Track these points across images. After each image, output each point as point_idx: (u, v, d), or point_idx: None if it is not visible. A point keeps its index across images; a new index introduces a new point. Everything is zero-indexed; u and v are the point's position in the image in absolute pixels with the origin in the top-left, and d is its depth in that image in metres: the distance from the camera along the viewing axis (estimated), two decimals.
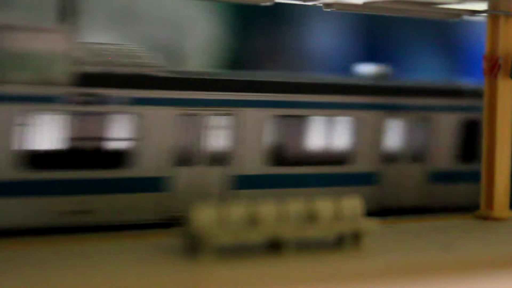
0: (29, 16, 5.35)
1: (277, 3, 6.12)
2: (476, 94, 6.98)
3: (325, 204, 5.28)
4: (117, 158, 5.84)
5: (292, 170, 6.48)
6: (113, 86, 5.76)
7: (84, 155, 5.72)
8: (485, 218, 6.52)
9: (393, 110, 6.91)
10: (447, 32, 10.91)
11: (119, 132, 5.84)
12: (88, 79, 5.66)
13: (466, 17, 6.78)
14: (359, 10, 6.41)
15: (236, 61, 10.81)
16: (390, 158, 6.94)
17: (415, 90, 7.03)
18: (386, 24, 10.82)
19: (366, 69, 7.26)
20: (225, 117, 6.20)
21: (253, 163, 6.30)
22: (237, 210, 5.06)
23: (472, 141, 7.19)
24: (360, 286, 4.73)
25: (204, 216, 4.96)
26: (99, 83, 5.72)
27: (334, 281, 4.70)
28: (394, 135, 6.97)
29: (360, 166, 6.76)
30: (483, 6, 6.45)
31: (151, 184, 5.93)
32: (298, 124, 6.56)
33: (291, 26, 10.79)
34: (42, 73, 5.37)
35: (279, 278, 4.67)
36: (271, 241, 5.08)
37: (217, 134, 6.19)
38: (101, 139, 5.79)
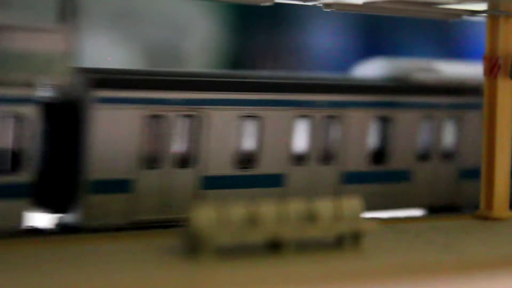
0: (29, 16, 5.36)
1: (277, 3, 6.12)
2: None
3: (325, 204, 5.28)
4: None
5: None
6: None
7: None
8: (485, 218, 6.52)
9: None
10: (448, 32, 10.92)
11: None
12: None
13: (466, 17, 6.77)
14: (359, 10, 6.40)
15: (236, 61, 10.82)
16: None
17: None
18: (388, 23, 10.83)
19: None
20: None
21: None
22: (237, 210, 5.06)
23: None
24: (360, 286, 4.73)
25: (204, 216, 4.96)
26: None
27: (334, 281, 4.70)
28: None
29: None
30: (483, 6, 6.44)
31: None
32: None
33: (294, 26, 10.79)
34: None
35: (279, 278, 4.67)
36: (271, 241, 5.08)
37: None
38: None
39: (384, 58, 7.33)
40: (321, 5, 6.31)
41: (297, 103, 6.41)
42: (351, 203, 5.36)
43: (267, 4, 6.10)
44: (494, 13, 6.48)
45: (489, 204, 6.54)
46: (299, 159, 6.47)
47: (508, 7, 6.45)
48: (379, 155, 6.88)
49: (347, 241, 5.27)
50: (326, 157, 6.58)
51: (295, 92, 6.43)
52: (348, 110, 6.63)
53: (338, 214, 5.29)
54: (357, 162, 6.72)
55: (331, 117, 6.60)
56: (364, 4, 6.29)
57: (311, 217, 5.22)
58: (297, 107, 6.41)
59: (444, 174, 7.15)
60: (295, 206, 5.22)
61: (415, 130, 6.99)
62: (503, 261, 5.27)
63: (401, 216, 6.82)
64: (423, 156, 7.05)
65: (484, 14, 6.57)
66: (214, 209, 5.00)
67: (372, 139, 6.82)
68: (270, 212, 5.12)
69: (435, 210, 7.06)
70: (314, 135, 6.52)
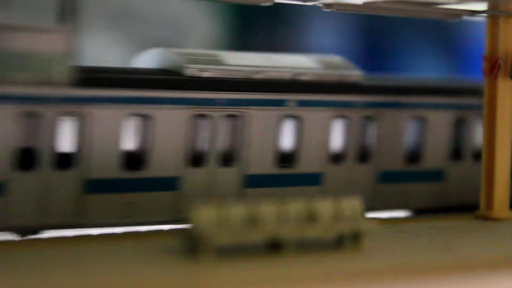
0: (29, 16, 5.36)
1: (277, 3, 6.13)
2: None
3: (325, 204, 5.28)
4: None
5: None
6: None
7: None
8: (485, 218, 6.52)
9: None
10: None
11: None
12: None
13: (466, 17, 6.77)
14: (359, 10, 6.40)
15: None
16: None
17: None
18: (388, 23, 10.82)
19: None
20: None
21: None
22: (237, 210, 5.06)
23: None
24: (360, 286, 4.73)
25: (204, 216, 4.96)
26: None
27: (334, 281, 4.70)
28: None
29: None
30: (483, 6, 6.44)
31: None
32: None
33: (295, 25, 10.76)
34: None
35: (279, 278, 4.67)
36: (271, 241, 5.08)
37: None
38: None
39: (162, 48, 6.29)
40: (321, 5, 6.32)
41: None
42: (351, 203, 5.36)
43: (267, 4, 6.10)
44: (494, 13, 6.48)
45: (489, 204, 6.54)
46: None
47: (508, 7, 6.45)
48: (133, 159, 5.86)
49: (347, 241, 5.27)
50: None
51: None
52: (90, 107, 5.60)
53: (338, 214, 5.29)
54: (102, 167, 5.69)
55: (67, 114, 5.59)
56: (364, 4, 6.29)
57: (311, 217, 5.22)
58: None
59: (223, 180, 6.15)
60: (295, 206, 5.22)
61: (183, 130, 5.93)
62: (503, 261, 5.27)
63: (401, 216, 6.83)
64: (195, 161, 6.04)
65: (484, 14, 6.57)
66: (214, 209, 5.00)
67: (125, 141, 5.81)
68: (270, 212, 5.12)
69: None
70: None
